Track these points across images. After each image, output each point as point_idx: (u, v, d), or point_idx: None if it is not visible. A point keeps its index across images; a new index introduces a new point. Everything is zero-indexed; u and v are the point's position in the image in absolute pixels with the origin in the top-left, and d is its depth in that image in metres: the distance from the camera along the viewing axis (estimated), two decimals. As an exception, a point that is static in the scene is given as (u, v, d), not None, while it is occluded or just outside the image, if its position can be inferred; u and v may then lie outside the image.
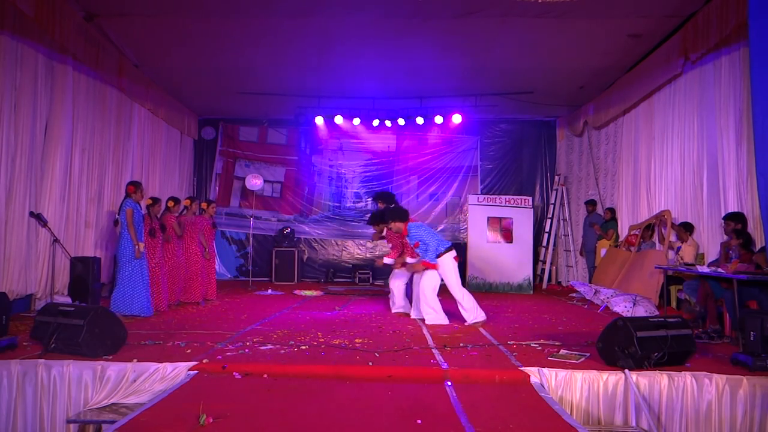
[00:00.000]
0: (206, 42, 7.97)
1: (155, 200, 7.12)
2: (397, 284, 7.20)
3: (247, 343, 5.01)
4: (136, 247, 6.33)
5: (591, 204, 10.37)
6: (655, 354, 4.14)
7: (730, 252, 5.76)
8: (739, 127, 6.14)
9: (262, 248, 12.06)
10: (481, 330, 6.01)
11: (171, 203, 7.47)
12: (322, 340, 5.30)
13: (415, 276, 6.86)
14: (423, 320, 6.45)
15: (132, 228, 6.35)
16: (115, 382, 4.03)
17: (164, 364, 4.13)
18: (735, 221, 5.81)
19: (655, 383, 4.00)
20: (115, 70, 8.06)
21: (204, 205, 8.37)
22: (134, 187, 6.58)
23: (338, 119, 11.14)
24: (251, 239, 11.55)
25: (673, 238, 7.55)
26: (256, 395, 3.72)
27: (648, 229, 8.23)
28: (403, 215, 6.59)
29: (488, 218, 10.43)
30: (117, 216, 6.63)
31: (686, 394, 3.98)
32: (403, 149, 12.35)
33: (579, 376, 4.06)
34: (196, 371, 4.12)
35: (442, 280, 6.46)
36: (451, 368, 4.22)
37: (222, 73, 9.36)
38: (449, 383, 3.99)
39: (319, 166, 12.45)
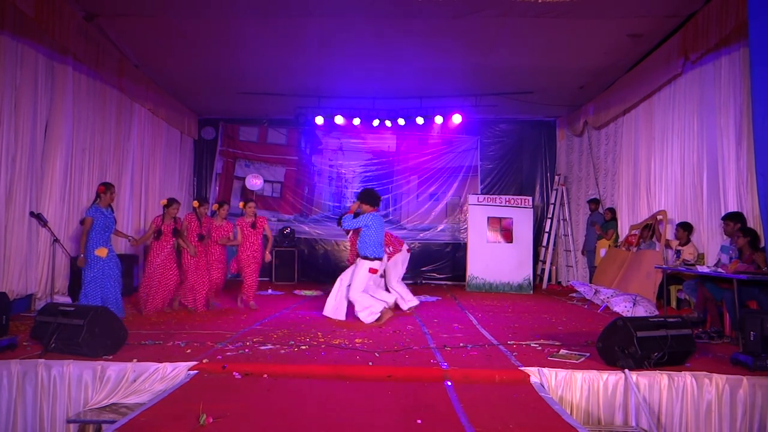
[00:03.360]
0: (206, 42, 7.97)
1: (171, 201, 6.95)
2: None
3: (247, 343, 5.01)
4: (82, 255, 5.96)
5: (594, 203, 10.37)
6: (655, 354, 4.15)
7: (731, 253, 5.76)
8: (739, 127, 6.14)
9: (262, 248, 12.07)
10: (481, 330, 6.01)
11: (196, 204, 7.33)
12: (322, 340, 5.30)
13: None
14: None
15: (84, 236, 5.99)
16: (115, 382, 4.03)
17: (164, 364, 4.13)
18: (734, 221, 5.81)
19: (655, 383, 4.00)
20: (115, 70, 8.06)
21: (215, 207, 7.75)
22: (104, 187, 6.18)
23: (338, 119, 11.14)
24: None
25: (671, 237, 7.55)
26: (256, 395, 3.72)
27: (647, 228, 8.24)
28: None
29: (488, 218, 10.43)
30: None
31: (686, 394, 3.99)
32: (403, 149, 12.35)
33: (579, 376, 4.06)
34: (196, 371, 4.12)
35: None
36: (451, 368, 4.22)
37: (222, 73, 9.36)
38: (449, 383, 3.99)
39: (319, 166, 12.45)
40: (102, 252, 6.05)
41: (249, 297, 7.55)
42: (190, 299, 7.12)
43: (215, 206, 7.78)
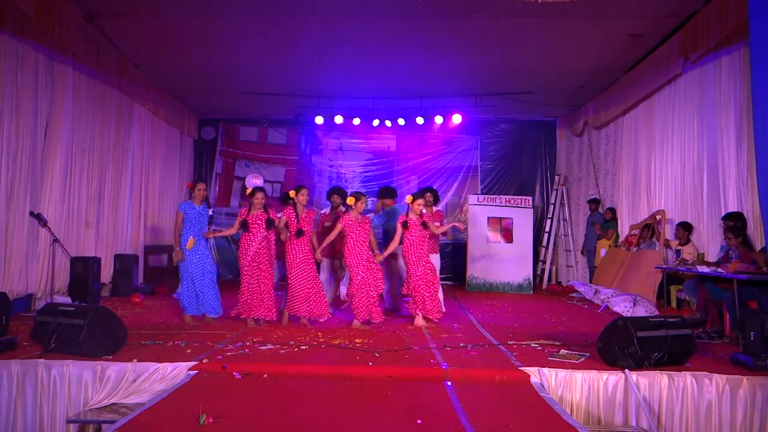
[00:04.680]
0: (206, 42, 7.96)
1: (254, 190, 6.12)
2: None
3: (247, 343, 5.01)
4: (177, 248, 6.09)
5: (594, 203, 10.37)
6: (655, 354, 4.15)
7: (730, 252, 5.76)
8: (739, 127, 6.14)
9: (263, 248, 12.05)
10: (481, 330, 6.01)
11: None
12: (322, 340, 5.30)
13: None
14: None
15: (176, 231, 6.12)
16: (115, 382, 4.03)
17: (164, 364, 4.13)
18: (734, 221, 5.81)
19: (655, 383, 4.00)
20: (115, 70, 8.06)
21: (350, 200, 6.17)
22: (191, 184, 6.30)
23: (338, 119, 11.12)
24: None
25: (671, 237, 7.55)
26: (256, 395, 3.72)
27: (647, 228, 8.24)
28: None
29: (488, 218, 10.43)
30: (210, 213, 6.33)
31: (686, 394, 3.99)
32: (403, 149, 12.35)
33: (579, 376, 4.06)
34: (196, 371, 4.12)
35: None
36: (451, 368, 4.23)
37: (222, 73, 9.35)
38: (449, 383, 3.99)
39: (319, 166, 12.44)
40: (190, 243, 6.03)
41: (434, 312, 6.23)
42: (300, 309, 6.02)
43: (350, 199, 6.12)
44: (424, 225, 6.29)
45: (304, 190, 6.17)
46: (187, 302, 6.19)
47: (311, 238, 6.20)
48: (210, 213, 6.27)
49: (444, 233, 7.13)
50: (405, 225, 6.23)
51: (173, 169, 11.14)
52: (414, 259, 6.22)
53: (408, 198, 6.39)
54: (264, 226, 6.01)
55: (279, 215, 6.20)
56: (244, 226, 6.02)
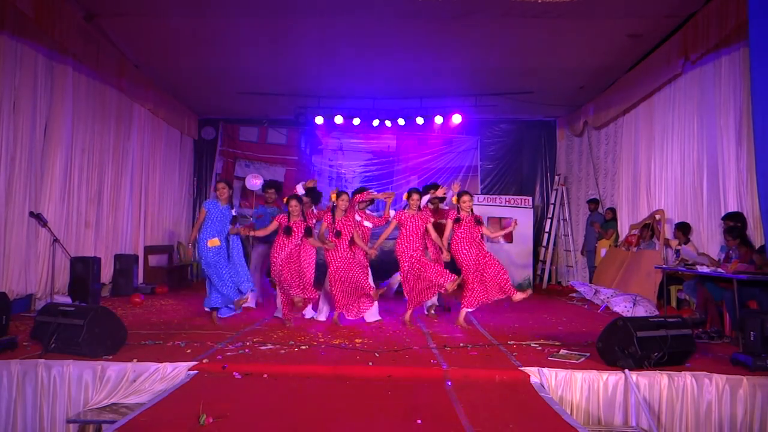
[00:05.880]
0: (206, 42, 7.96)
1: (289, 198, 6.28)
2: None
3: (247, 343, 5.01)
4: (189, 245, 6.19)
5: (593, 203, 10.37)
6: (655, 354, 4.15)
7: (731, 252, 5.76)
8: (739, 127, 6.14)
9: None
10: (481, 330, 6.01)
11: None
12: (322, 340, 5.30)
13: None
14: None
15: (195, 225, 6.30)
16: (115, 382, 4.03)
17: (164, 364, 4.13)
18: (734, 221, 5.81)
19: (655, 383, 4.00)
20: (115, 70, 8.06)
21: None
22: (215, 185, 6.39)
23: (338, 119, 11.12)
24: (251, 239, 11.53)
25: (671, 236, 7.55)
26: (256, 395, 3.72)
27: (647, 228, 8.24)
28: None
29: (488, 218, 10.42)
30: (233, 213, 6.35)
31: (686, 394, 3.99)
32: (403, 149, 12.34)
33: (579, 376, 4.06)
34: (196, 371, 4.12)
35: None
36: (451, 368, 4.23)
37: (222, 73, 9.35)
38: (449, 383, 3.99)
39: (319, 166, 12.43)
40: (213, 242, 6.13)
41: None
42: (352, 310, 6.32)
43: (405, 195, 6.48)
44: (478, 221, 6.40)
45: (344, 195, 6.32)
46: (214, 300, 6.19)
47: (354, 239, 6.37)
48: (234, 213, 6.34)
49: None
50: (458, 221, 6.28)
51: (173, 169, 11.14)
52: (465, 253, 6.28)
53: (454, 198, 6.42)
54: (303, 233, 6.17)
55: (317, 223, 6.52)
56: (288, 231, 6.07)
